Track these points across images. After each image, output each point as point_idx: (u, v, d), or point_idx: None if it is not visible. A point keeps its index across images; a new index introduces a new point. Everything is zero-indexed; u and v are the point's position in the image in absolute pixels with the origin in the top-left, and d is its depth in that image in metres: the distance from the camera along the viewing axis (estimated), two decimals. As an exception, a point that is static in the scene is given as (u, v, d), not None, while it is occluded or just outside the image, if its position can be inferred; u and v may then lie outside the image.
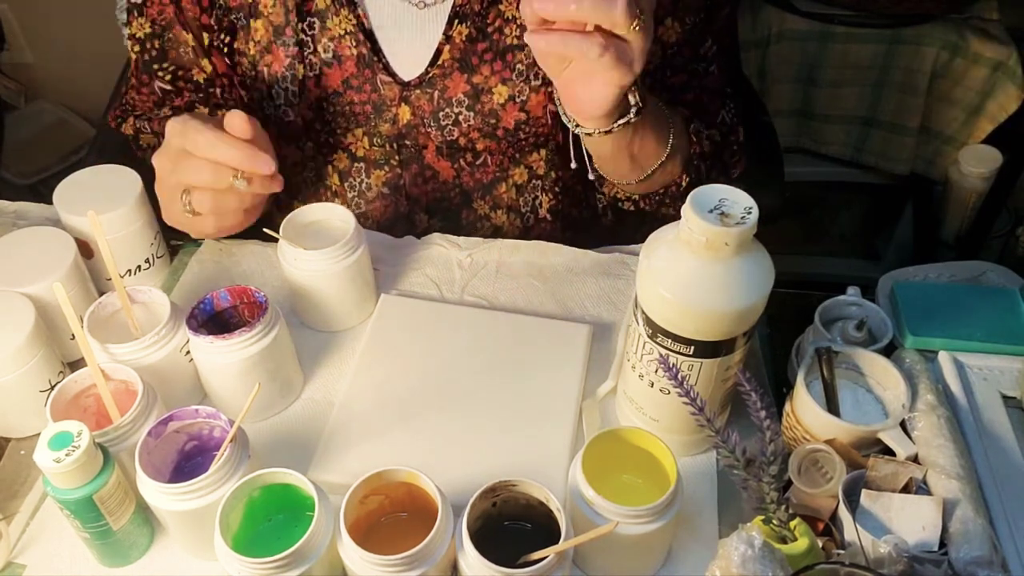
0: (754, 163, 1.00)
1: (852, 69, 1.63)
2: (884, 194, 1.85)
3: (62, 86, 2.09)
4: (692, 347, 0.60)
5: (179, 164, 0.74)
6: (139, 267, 0.82)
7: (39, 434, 0.58)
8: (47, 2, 1.96)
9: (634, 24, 0.64)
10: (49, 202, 0.81)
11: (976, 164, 1.57)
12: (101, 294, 0.74)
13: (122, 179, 0.80)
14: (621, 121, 0.73)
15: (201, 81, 0.94)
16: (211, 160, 0.72)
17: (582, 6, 0.62)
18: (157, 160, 0.76)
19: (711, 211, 0.57)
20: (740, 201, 0.57)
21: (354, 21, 0.85)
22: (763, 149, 1.00)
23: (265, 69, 0.89)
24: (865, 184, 1.81)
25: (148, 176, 0.84)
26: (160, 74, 0.93)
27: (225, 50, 0.90)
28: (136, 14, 0.91)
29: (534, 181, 0.95)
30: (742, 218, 0.56)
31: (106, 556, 0.63)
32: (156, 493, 0.59)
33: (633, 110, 0.74)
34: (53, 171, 1.96)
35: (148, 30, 0.91)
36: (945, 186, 1.66)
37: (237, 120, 0.72)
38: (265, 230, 0.85)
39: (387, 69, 0.88)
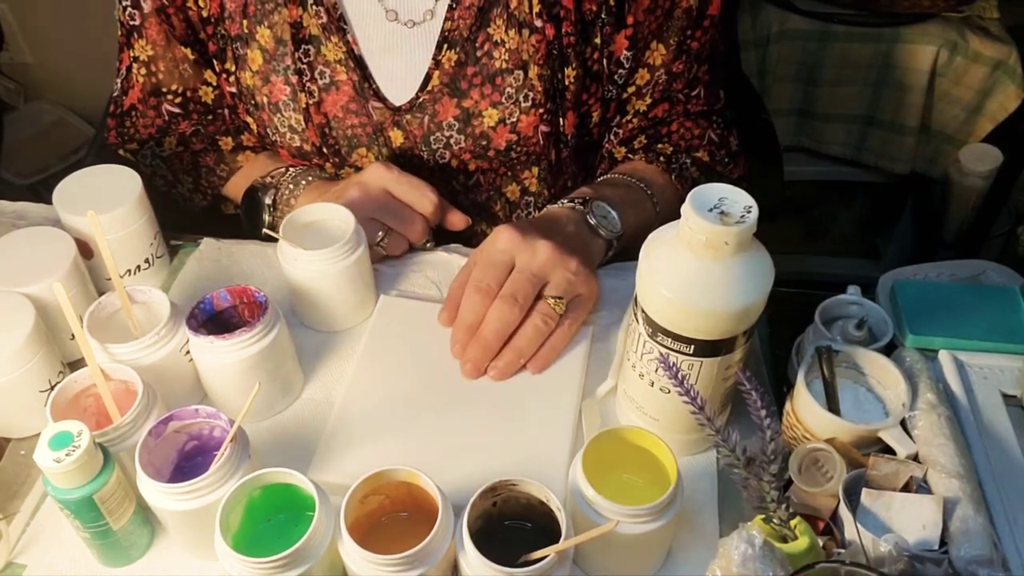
0: (754, 162, 1.00)
1: (852, 68, 1.64)
2: (884, 193, 1.85)
3: (62, 86, 2.09)
4: (692, 346, 0.60)
5: (388, 205, 0.82)
6: (139, 267, 0.82)
7: (39, 434, 0.58)
8: (47, 2, 1.96)
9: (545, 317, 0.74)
10: (49, 202, 0.80)
11: (976, 163, 1.57)
12: (101, 294, 0.74)
13: (122, 179, 0.80)
14: (609, 255, 0.82)
15: (209, 102, 0.94)
16: (418, 215, 0.83)
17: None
18: (359, 186, 0.83)
19: (711, 210, 0.57)
20: (740, 200, 0.57)
21: (344, 48, 0.85)
22: (763, 148, 1.00)
23: (265, 99, 0.89)
24: (865, 183, 1.81)
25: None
26: (170, 97, 0.93)
27: (231, 78, 0.90)
28: (136, 36, 0.91)
29: (527, 198, 0.95)
30: (742, 217, 0.56)
31: (106, 556, 0.63)
32: (156, 493, 0.59)
33: (612, 252, 0.81)
34: (53, 171, 1.96)
35: (151, 52, 0.91)
36: (945, 185, 1.66)
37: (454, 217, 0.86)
38: (265, 230, 0.86)
39: (377, 95, 0.88)
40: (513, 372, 0.74)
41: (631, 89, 0.91)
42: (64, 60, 2.04)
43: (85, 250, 0.78)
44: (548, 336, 0.75)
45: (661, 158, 0.92)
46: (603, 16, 0.85)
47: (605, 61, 0.87)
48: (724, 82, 0.97)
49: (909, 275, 0.81)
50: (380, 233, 0.83)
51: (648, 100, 0.91)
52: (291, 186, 0.88)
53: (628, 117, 0.92)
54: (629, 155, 0.94)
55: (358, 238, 0.76)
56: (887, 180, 1.77)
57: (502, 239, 0.75)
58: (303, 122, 0.89)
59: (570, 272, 0.75)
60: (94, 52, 1.76)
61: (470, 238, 0.91)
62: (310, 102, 0.87)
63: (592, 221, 0.80)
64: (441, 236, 0.88)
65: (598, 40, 0.86)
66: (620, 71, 0.88)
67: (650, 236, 0.63)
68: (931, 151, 1.70)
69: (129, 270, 0.82)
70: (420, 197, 0.82)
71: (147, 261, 0.83)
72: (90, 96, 1.92)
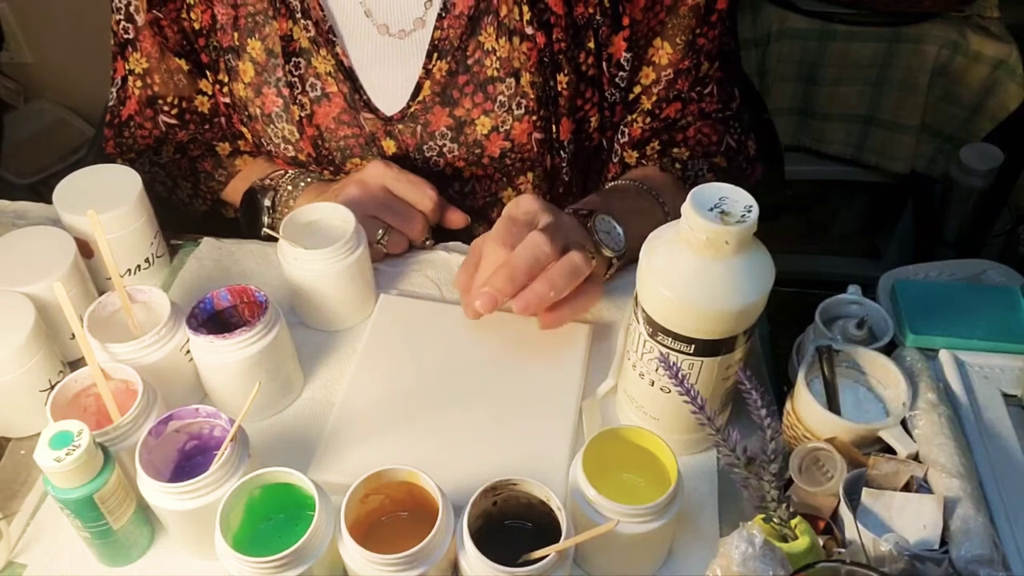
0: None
1: (853, 67, 1.64)
2: (885, 192, 1.85)
3: (62, 86, 2.09)
4: (692, 346, 0.60)
5: (388, 203, 0.82)
6: (139, 266, 0.82)
7: (39, 434, 0.58)
8: (47, 2, 1.96)
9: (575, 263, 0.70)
10: (49, 202, 0.80)
11: (977, 162, 1.57)
12: (101, 294, 0.74)
13: (122, 179, 0.80)
14: (611, 272, 0.80)
15: (206, 112, 0.94)
16: (418, 212, 0.83)
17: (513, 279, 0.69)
18: (359, 184, 0.83)
19: (711, 209, 0.57)
20: (740, 199, 0.57)
21: (333, 61, 0.85)
22: (763, 148, 1.00)
23: (258, 110, 0.89)
24: (866, 183, 1.81)
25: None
26: (166, 108, 0.93)
27: (224, 89, 0.90)
28: (131, 49, 0.91)
29: (528, 193, 0.94)
30: (742, 216, 0.56)
31: (106, 555, 0.63)
32: (156, 493, 0.59)
33: (612, 270, 0.80)
34: (53, 171, 1.96)
35: (146, 64, 0.91)
36: (946, 184, 1.66)
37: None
38: (265, 230, 0.86)
39: (368, 106, 0.88)
40: (539, 308, 0.70)
41: (637, 89, 0.90)
42: (64, 60, 2.04)
43: (85, 250, 0.78)
44: (576, 286, 0.71)
45: (676, 164, 0.90)
46: (598, 18, 0.84)
47: (604, 64, 0.87)
48: (737, 80, 0.95)
49: (909, 274, 0.81)
50: (380, 231, 0.83)
51: (655, 98, 0.91)
52: (290, 187, 0.88)
53: (635, 116, 0.92)
54: (642, 161, 0.93)
55: (358, 237, 0.76)
56: (887, 179, 1.77)
57: (525, 201, 0.74)
58: (296, 133, 0.89)
59: (588, 250, 0.73)
60: (94, 52, 1.76)
61: (469, 237, 0.91)
62: (302, 114, 0.87)
63: (594, 236, 0.78)
64: (441, 235, 0.88)
65: (592, 44, 0.85)
66: (621, 73, 0.88)
67: (650, 235, 0.63)
68: (931, 150, 1.70)
69: (129, 269, 0.82)
70: (420, 195, 0.82)
71: (147, 260, 0.83)
72: (90, 96, 1.93)
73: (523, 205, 0.74)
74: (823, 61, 1.64)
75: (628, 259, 0.81)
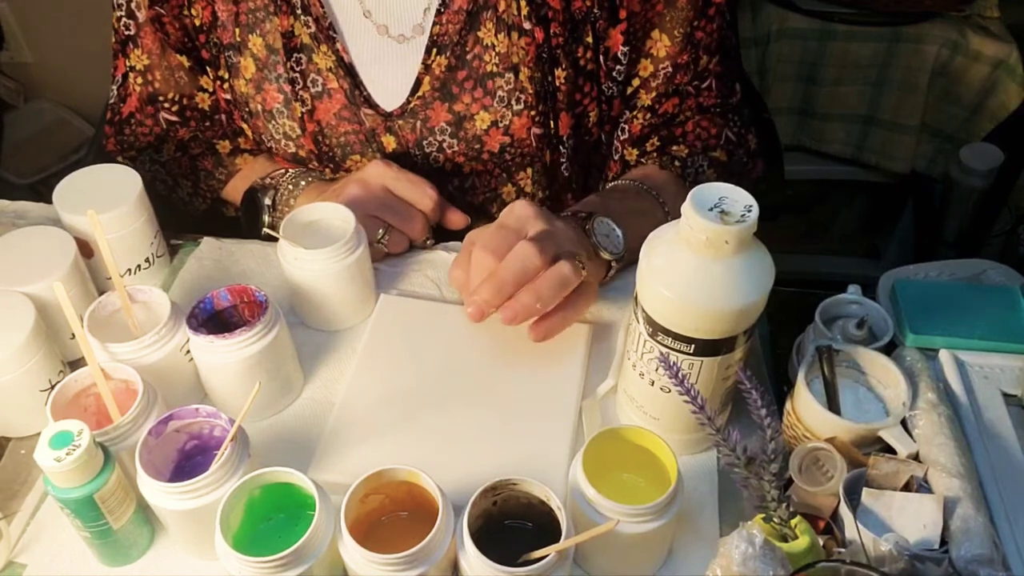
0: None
1: (853, 67, 1.64)
2: (885, 192, 1.85)
3: (62, 86, 2.09)
4: (692, 345, 0.60)
5: (389, 203, 0.82)
6: (139, 266, 0.82)
7: (39, 433, 0.58)
8: (47, 2, 1.96)
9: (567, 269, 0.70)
10: (49, 202, 0.80)
11: (977, 162, 1.57)
12: (101, 293, 0.74)
13: (122, 178, 0.80)
14: (611, 274, 0.79)
15: (206, 108, 0.94)
16: (418, 212, 0.83)
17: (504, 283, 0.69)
18: (360, 183, 0.83)
19: (711, 209, 0.57)
20: (740, 199, 0.57)
21: (334, 57, 0.85)
22: (763, 147, 1.00)
23: (259, 106, 0.89)
24: (866, 182, 1.81)
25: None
26: (167, 105, 0.93)
27: (225, 85, 0.90)
28: (132, 46, 0.91)
29: (522, 199, 0.94)
30: (742, 216, 0.56)
31: (106, 555, 0.63)
32: (156, 492, 0.59)
33: (612, 273, 0.79)
34: (53, 171, 1.96)
35: (147, 61, 0.91)
36: (946, 184, 1.66)
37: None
38: (265, 230, 0.86)
39: (368, 101, 0.88)
40: (526, 318, 0.70)
41: (636, 82, 0.90)
42: (64, 60, 2.04)
43: (85, 249, 0.78)
44: (566, 296, 0.71)
45: (676, 162, 0.90)
46: (595, 11, 0.84)
47: (602, 58, 0.87)
48: (738, 75, 0.95)
49: (909, 274, 0.81)
50: (381, 231, 0.83)
51: (654, 93, 0.90)
52: (290, 187, 0.88)
53: (635, 112, 0.92)
54: (642, 159, 0.93)
55: (358, 237, 0.76)
56: (887, 179, 1.77)
57: (518, 207, 0.74)
58: (298, 129, 0.89)
59: (582, 257, 0.73)
60: (94, 52, 1.76)
61: None
62: (304, 110, 0.88)
63: (592, 239, 0.77)
64: (441, 235, 0.88)
65: (590, 39, 0.85)
66: (618, 67, 0.88)
67: (650, 235, 0.63)
68: (931, 150, 1.70)
69: (129, 269, 0.82)
70: (420, 194, 0.82)
71: (147, 260, 0.83)
72: (90, 96, 1.92)
73: (515, 211, 0.74)
74: (823, 61, 1.64)
75: (628, 260, 0.81)
